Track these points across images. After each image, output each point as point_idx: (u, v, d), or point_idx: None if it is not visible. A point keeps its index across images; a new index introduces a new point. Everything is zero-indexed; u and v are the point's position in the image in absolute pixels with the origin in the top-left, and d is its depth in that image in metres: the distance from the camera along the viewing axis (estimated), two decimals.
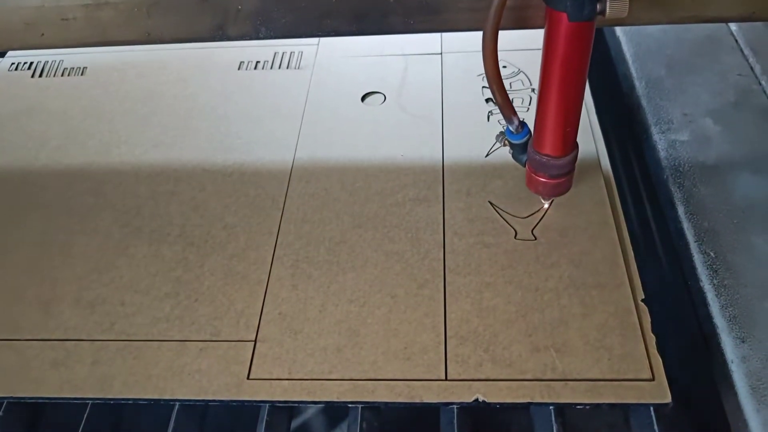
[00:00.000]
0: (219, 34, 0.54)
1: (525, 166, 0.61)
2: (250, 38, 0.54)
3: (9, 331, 0.58)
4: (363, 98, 0.79)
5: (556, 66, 0.51)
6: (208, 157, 0.73)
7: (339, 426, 0.79)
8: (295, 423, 0.80)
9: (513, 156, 0.62)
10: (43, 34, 0.55)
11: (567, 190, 0.62)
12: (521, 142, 0.59)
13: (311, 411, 0.80)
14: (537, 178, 0.60)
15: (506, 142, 0.61)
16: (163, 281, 0.61)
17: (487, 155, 0.70)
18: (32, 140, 0.77)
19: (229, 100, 0.80)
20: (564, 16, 0.47)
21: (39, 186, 0.72)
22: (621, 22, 0.52)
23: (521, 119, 0.58)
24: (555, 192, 0.61)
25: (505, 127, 0.59)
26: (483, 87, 0.77)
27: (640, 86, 0.76)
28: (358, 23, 0.53)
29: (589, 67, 0.52)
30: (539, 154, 0.58)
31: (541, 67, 0.53)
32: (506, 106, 0.56)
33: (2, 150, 0.77)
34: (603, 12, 0.46)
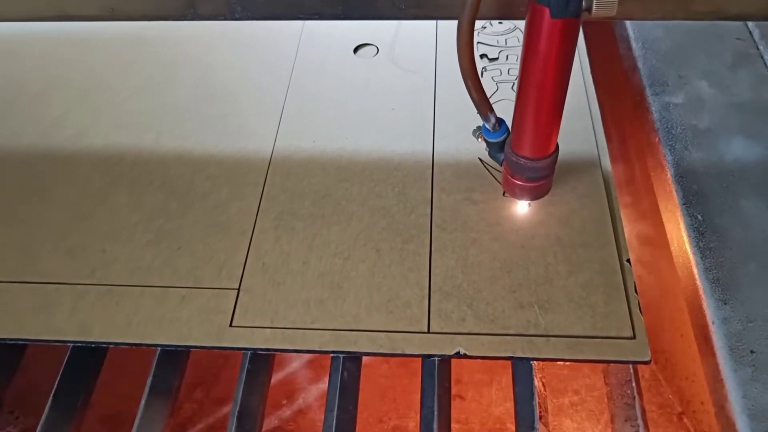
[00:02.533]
0: (190, 12, 0.50)
1: (502, 166, 0.57)
2: (225, 18, 0.50)
3: None
4: (355, 50, 0.77)
5: (537, 65, 0.46)
6: (193, 106, 0.71)
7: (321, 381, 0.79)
8: (276, 378, 0.80)
9: (489, 154, 0.58)
10: None
11: (545, 193, 0.58)
12: (498, 140, 0.55)
13: (295, 365, 0.81)
14: (513, 181, 0.56)
15: (483, 138, 0.57)
16: (144, 230, 0.60)
17: None
18: (11, 85, 0.75)
19: (216, 49, 0.78)
20: (546, 10, 0.42)
21: (17, 132, 0.70)
22: (630, 17, 0.48)
23: (498, 117, 0.54)
24: (532, 196, 0.58)
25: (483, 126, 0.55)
26: (477, 42, 0.75)
27: (636, 47, 0.74)
28: (344, 6, 0.49)
29: (572, 66, 0.47)
30: (516, 155, 0.53)
31: (520, 64, 0.48)
32: (482, 103, 0.51)
33: None
34: (589, 9, 0.40)
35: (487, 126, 0.54)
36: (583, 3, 0.41)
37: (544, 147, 0.52)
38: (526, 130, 0.51)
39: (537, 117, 0.50)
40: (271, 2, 0.50)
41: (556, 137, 0.53)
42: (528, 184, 0.56)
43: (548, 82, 0.47)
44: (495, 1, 0.47)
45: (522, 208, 0.60)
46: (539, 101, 0.49)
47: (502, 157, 0.56)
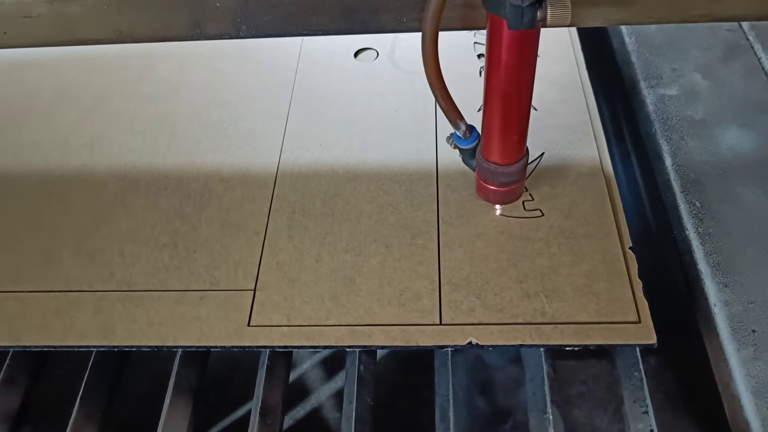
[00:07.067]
0: (196, 32, 0.51)
1: (475, 172, 0.59)
2: (230, 37, 0.51)
3: (11, 282, 0.59)
4: (356, 54, 0.79)
5: (500, 74, 0.48)
6: (203, 110, 0.73)
7: (336, 377, 0.81)
8: (293, 375, 0.82)
9: (463, 160, 0.60)
10: (5, 33, 0.51)
11: (518, 197, 0.60)
12: (470, 147, 0.57)
13: (307, 365, 0.82)
14: (486, 186, 0.58)
15: (455, 146, 0.58)
16: (161, 232, 0.62)
17: (479, 110, 0.70)
18: (27, 94, 0.77)
19: (224, 54, 0.80)
20: (504, 21, 0.43)
21: (35, 140, 0.72)
22: (625, 22, 0.49)
23: (469, 124, 0.55)
24: (505, 200, 0.60)
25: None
26: (475, 43, 0.77)
27: (630, 42, 0.76)
28: (347, 21, 0.50)
29: (535, 73, 0.49)
30: (487, 161, 0.55)
31: (484, 73, 0.50)
32: (451, 111, 0.52)
33: None
34: (544, 20, 0.42)
35: (458, 133, 0.56)
36: (538, 14, 0.42)
37: (513, 152, 0.55)
38: (494, 137, 0.53)
39: (504, 124, 0.52)
40: (273, 20, 0.50)
41: (524, 142, 0.55)
42: (500, 189, 0.58)
43: (512, 89, 0.49)
44: (458, 13, 0.47)
45: (496, 212, 0.62)
46: (504, 109, 0.51)
47: (474, 163, 0.58)
